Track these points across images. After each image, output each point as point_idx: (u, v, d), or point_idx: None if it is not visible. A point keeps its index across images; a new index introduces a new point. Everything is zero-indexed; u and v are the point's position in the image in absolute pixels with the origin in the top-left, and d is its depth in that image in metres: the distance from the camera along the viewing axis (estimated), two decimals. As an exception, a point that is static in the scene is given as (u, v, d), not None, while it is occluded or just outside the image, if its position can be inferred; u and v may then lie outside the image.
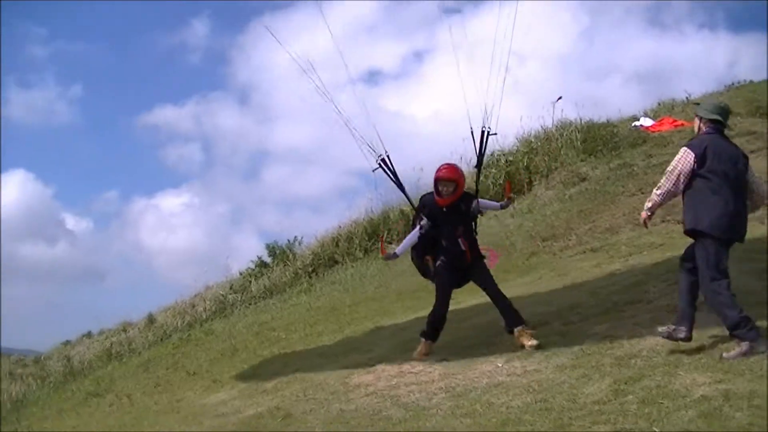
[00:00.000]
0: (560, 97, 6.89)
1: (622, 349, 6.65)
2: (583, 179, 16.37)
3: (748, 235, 6.51)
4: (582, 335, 7.56)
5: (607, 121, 19.84)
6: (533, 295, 10.37)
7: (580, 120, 19.11)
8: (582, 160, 17.37)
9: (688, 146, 6.39)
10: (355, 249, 18.26)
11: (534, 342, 7.69)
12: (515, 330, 7.92)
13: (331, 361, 9.77)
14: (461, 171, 8.75)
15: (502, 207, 9.08)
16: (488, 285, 8.38)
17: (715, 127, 6.50)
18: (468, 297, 11.38)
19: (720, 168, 6.23)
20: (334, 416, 7.08)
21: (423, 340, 8.54)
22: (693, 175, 6.27)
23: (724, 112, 6.61)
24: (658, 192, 6.43)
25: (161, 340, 19.11)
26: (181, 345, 16.66)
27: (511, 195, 9.00)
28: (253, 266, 21.66)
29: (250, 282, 20.41)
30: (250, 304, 18.87)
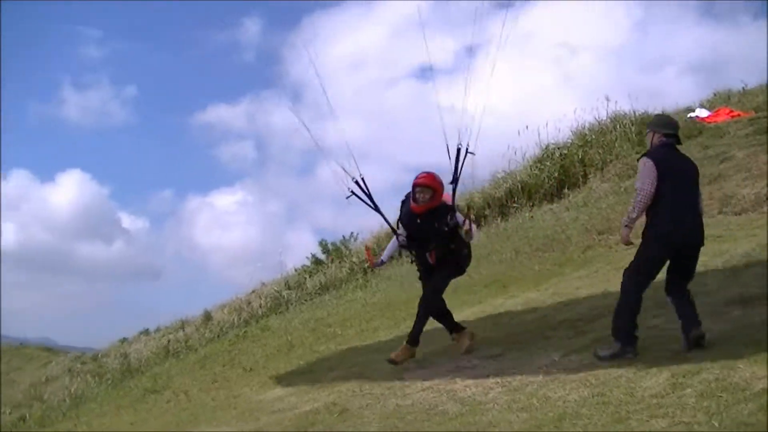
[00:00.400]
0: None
1: (679, 343, 6.56)
2: (639, 172, 16.15)
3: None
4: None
5: (662, 113, 19.52)
6: (589, 288, 10.27)
7: (634, 112, 18.84)
8: (637, 153, 17.13)
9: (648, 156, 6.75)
10: (411, 244, 18.23)
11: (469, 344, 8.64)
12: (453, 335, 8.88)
13: (388, 357, 9.74)
14: (441, 181, 8.62)
15: (465, 238, 8.72)
16: (433, 281, 8.85)
17: (669, 141, 6.86)
18: (519, 291, 11.34)
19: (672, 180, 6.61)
20: (390, 411, 7.10)
21: (406, 344, 8.73)
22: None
23: (676, 126, 7.06)
24: (638, 195, 6.69)
25: (217, 336, 19.35)
26: (237, 341, 16.84)
27: (470, 229, 8.62)
28: (308, 263, 21.75)
29: (305, 278, 20.50)
30: (305, 300, 18.97)
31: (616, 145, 17.67)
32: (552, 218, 15.73)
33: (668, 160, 6.70)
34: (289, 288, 20.49)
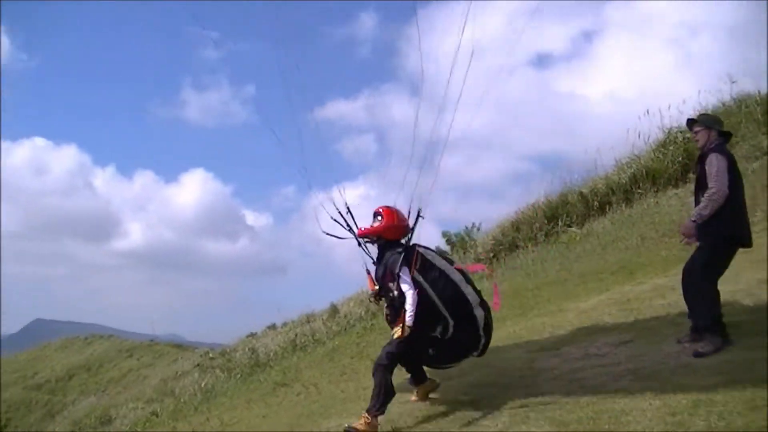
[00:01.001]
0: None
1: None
2: (766, 153, 15.61)
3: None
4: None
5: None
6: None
7: (759, 92, 18.16)
8: (764, 134, 16.55)
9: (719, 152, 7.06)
10: (536, 233, 18.16)
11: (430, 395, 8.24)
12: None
13: (516, 346, 9.78)
14: (396, 215, 7.74)
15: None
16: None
17: (724, 140, 7.30)
18: (647, 277, 11.19)
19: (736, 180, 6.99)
20: (520, 401, 7.12)
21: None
22: None
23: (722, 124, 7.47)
24: (715, 195, 6.87)
25: (344, 329, 19.45)
26: (365, 334, 16.97)
27: (376, 290, 7.78)
28: (432, 253, 21.72)
29: (430, 270, 20.49)
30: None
31: (742, 126, 17.11)
32: (677, 203, 15.37)
33: (732, 159, 7.04)
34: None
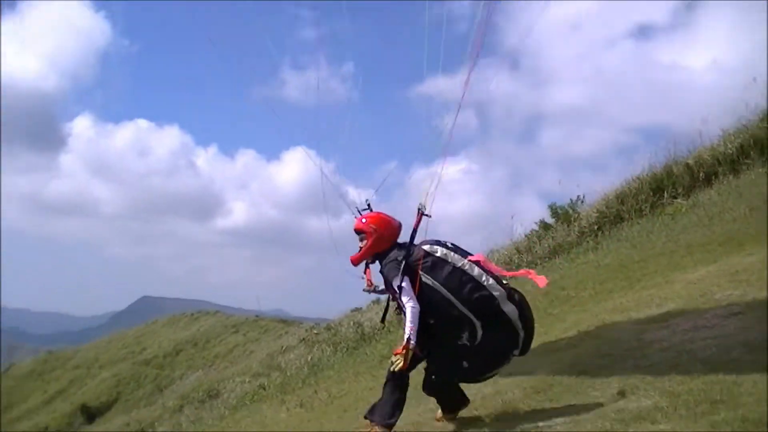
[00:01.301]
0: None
1: None
2: None
3: None
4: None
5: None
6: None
7: None
8: None
9: None
10: (641, 205, 18.01)
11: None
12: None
13: (624, 317, 9.82)
14: (379, 223, 7.12)
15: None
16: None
17: None
18: (757, 248, 11.05)
19: None
20: (629, 372, 7.19)
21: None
22: None
23: None
24: None
25: None
26: (469, 306, 17.01)
27: (371, 288, 7.39)
28: (536, 227, 21.83)
29: (535, 243, 20.65)
30: (535, 264, 18.94)
31: None
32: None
33: None
34: (519, 253, 20.69)
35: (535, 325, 7.01)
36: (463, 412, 7.53)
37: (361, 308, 29.73)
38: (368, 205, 7.38)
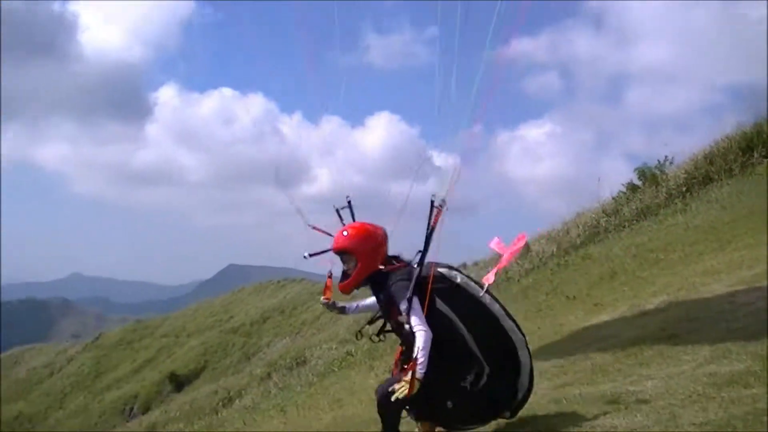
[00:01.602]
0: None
1: None
2: None
3: None
4: None
5: None
6: None
7: None
8: None
9: None
10: (731, 165, 17.65)
11: None
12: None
13: (715, 280, 9.76)
14: (364, 240, 5.97)
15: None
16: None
17: None
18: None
19: None
20: (721, 335, 7.15)
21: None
22: None
23: None
24: None
25: (537, 267, 19.58)
26: (558, 271, 17.12)
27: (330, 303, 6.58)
28: (623, 190, 21.58)
29: (622, 206, 20.44)
30: (623, 227, 18.83)
31: None
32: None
33: None
34: (606, 216, 20.51)
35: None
36: (552, 376, 7.62)
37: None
38: (348, 202, 6.42)
